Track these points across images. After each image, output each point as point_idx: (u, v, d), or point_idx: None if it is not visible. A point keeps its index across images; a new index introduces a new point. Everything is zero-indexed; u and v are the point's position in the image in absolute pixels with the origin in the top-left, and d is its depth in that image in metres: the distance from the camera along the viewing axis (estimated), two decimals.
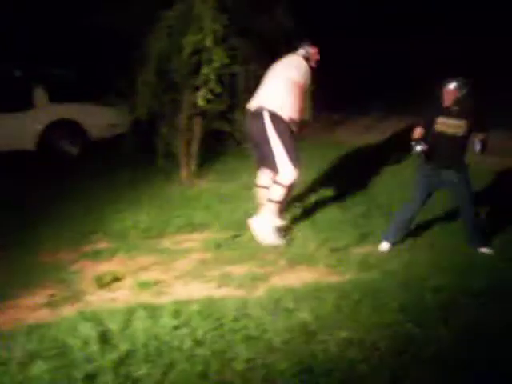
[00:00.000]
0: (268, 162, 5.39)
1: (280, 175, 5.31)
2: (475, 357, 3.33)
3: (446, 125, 5.18)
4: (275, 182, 5.35)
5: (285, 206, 5.70)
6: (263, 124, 5.25)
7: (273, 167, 5.35)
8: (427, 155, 5.20)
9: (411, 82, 10.76)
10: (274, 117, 5.24)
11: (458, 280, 4.46)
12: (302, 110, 5.37)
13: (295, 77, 5.33)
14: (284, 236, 5.50)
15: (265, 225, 5.35)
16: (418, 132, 5.24)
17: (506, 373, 3.19)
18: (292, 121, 5.33)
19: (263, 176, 5.63)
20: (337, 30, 13.06)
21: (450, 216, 5.89)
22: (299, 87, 5.32)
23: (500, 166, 7.76)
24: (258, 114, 5.28)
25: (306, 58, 5.54)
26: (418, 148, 5.15)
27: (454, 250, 5.22)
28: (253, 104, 5.42)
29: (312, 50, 5.59)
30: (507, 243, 5.30)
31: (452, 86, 5.14)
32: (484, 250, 5.23)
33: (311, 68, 5.54)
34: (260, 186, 5.71)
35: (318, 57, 5.64)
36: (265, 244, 5.31)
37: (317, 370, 3.26)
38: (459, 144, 5.19)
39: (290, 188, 5.43)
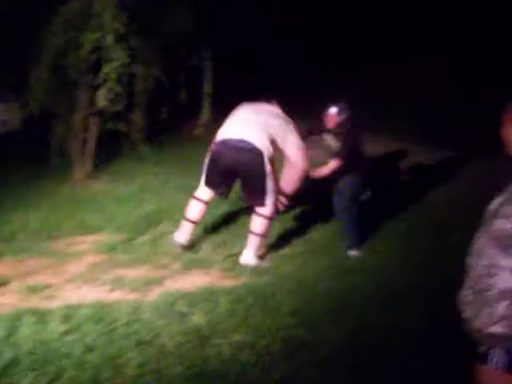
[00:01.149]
0: (252, 194, 5.16)
1: (266, 209, 5.09)
2: (362, 361, 3.44)
3: (333, 142, 5.39)
4: (260, 215, 5.10)
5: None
6: (263, 161, 5.00)
7: (257, 200, 5.13)
8: None
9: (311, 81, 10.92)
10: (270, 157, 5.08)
11: (350, 283, 4.61)
12: None
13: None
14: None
15: (252, 259, 5.09)
16: None
17: (388, 375, 3.32)
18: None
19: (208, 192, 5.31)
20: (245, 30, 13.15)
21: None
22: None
23: None
24: (257, 151, 4.99)
25: None
26: None
27: (346, 255, 5.39)
28: (246, 137, 5.03)
29: None
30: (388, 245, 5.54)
31: (332, 111, 5.31)
32: (353, 252, 5.41)
33: None
34: (199, 200, 5.30)
35: None
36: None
37: (209, 373, 3.27)
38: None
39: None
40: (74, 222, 5.96)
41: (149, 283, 4.59)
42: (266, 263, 5.13)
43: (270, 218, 5.15)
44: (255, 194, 5.13)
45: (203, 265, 5.03)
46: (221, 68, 7.53)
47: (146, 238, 5.54)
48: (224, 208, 6.35)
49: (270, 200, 5.10)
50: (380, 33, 11.47)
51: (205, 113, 7.87)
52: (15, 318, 3.76)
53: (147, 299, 4.30)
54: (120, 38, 6.43)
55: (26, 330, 3.60)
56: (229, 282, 4.69)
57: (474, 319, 2.16)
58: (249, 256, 5.08)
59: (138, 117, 7.68)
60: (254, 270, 4.91)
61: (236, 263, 5.05)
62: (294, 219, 6.19)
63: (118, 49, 5.97)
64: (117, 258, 5.11)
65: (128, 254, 5.20)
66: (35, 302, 4.20)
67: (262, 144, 5.01)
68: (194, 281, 4.73)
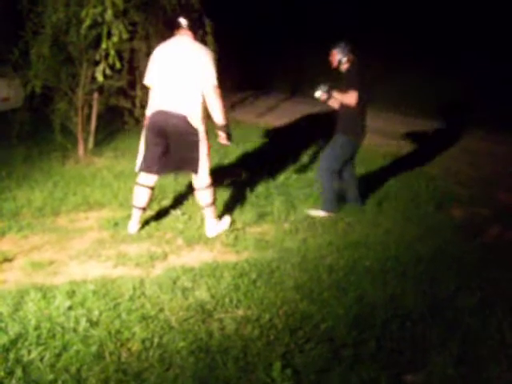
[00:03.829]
0: (184, 163, 5.00)
1: (204, 180, 5.02)
2: (364, 334, 3.47)
3: (319, 94, 5.69)
4: (207, 187, 5.05)
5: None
6: (191, 127, 4.82)
7: (191, 168, 4.99)
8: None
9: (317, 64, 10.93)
10: (203, 121, 4.90)
11: (352, 257, 4.62)
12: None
13: (214, 81, 4.81)
14: (182, 214, 5.52)
15: (217, 227, 5.18)
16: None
17: (392, 350, 3.35)
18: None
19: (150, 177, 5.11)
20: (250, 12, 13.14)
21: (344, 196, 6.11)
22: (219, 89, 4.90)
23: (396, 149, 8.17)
24: (181, 116, 4.80)
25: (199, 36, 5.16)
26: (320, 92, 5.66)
27: (349, 229, 5.41)
28: (173, 106, 4.81)
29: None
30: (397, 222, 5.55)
31: (335, 48, 5.59)
32: (321, 213, 5.71)
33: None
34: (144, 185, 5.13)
35: None
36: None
37: (213, 348, 3.29)
38: (340, 109, 5.69)
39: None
40: (77, 199, 5.98)
41: (152, 259, 4.62)
42: (225, 224, 5.27)
43: (211, 185, 5.15)
44: (181, 161, 5.05)
45: (206, 240, 5.05)
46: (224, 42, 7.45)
47: (149, 213, 5.55)
48: (225, 185, 6.38)
49: (204, 170, 5.04)
50: None
51: None
52: (20, 295, 3.79)
53: (151, 274, 4.33)
54: (120, 13, 6.36)
55: (31, 306, 3.63)
56: (232, 257, 4.71)
57: None
58: (212, 227, 5.19)
59: (140, 92, 7.65)
60: (257, 245, 4.93)
61: (238, 238, 5.07)
62: (294, 194, 6.22)
63: (117, 24, 5.90)
64: (120, 234, 5.13)
65: None
66: (40, 279, 4.24)
67: (190, 108, 4.81)
68: (198, 256, 4.76)
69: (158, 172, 5.07)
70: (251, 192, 6.25)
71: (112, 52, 5.77)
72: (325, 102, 5.77)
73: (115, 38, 5.81)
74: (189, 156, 4.95)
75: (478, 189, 6.91)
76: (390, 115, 11.02)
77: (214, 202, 5.20)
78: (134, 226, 5.19)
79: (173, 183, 6.39)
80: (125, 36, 5.97)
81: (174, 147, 4.95)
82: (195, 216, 5.50)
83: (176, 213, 5.56)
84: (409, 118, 10.69)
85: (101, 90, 7.74)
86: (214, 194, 5.21)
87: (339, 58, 5.58)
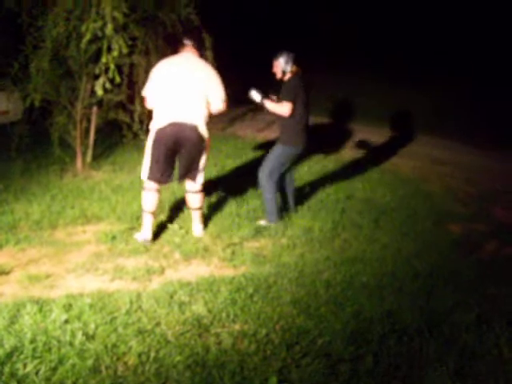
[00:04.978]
0: (187, 171, 5.33)
1: (199, 184, 5.40)
2: (360, 349, 3.46)
3: (257, 98, 5.74)
4: (200, 191, 5.43)
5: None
6: (201, 136, 5.22)
7: (194, 176, 5.35)
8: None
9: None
10: (204, 131, 5.26)
11: (349, 273, 4.62)
12: None
13: (224, 96, 5.32)
14: (179, 228, 5.52)
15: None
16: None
17: (389, 365, 3.35)
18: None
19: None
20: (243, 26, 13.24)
21: (342, 211, 6.13)
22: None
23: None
24: (193, 127, 5.18)
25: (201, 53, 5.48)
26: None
27: (346, 245, 5.41)
28: (185, 118, 5.15)
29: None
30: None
31: (277, 58, 5.65)
32: (263, 222, 5.78)
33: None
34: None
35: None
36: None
37: (209, 362, 3.28)
38: (281, 118, 5.68)
39: None
40: (75, 212, 5.97)
41: (149, 273, 4.61)
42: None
43: None
44: (188, 169, 5.36)
45: (203, 254, 5.05)
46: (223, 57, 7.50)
47: None
48: (223, 199, 6.39)
49: (202, 176, 5.42)
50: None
51: None
52: (16, 308, 3.77)
53: (148, 288, 4.33)
54: (120, 28, 6.40)
55: (27, 319, 3.62)
56: (229, 272, 4.70)
57: None
58: (201, 230, 5.54)
59: (139, 107, 7.67)
60: (254, 260, 4.93)
61: (236, 252, 5.07)
62: (293, 209, 6.22)
63: (117, 38, 5.94)
64: (118, 248, 5.12)
65: (129, 243, 5.21)
66: (36, 292, 4.23)
67: (198, 117, 5.19)
68: (195, 270, 4.76)
69: (166, 182, 5.36)
70: (248, 206, 6.25)
71: (112, 66, 5.81)
72: (261, 105, 5.79)
73: (115, 53, 5.85)
74: (193, 164, 5.30)
75: (474, 205, 6.94)
76: (387, 130, 11.06)
77: (202, 207, 5.54)
78: (147, 233, 5.30)
79: (170, 197, 6.40)
80: (125, 50, 6.01)
81: (184, 156, 5.25)
82: (192, 230, 5.50)
83: (173, 227, 5.56)
84: (399, 134, 10.73)
85: (100, 103, 7.77)
86: (203, 198, 5.55)
87: (283, 68, 5.63)
